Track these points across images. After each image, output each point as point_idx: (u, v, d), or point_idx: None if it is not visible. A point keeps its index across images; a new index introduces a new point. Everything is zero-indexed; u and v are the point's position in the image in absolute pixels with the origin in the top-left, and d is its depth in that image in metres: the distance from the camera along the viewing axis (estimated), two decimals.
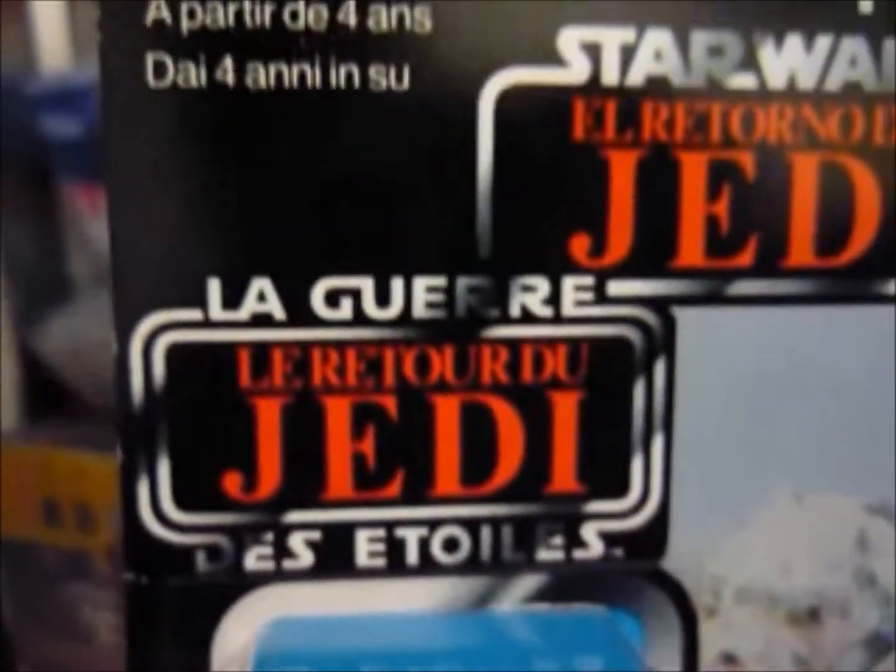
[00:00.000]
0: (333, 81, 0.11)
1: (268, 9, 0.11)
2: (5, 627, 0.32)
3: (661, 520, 0.12)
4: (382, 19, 0.11)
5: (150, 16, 0.11)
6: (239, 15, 0.11)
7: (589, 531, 0.12)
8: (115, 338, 0.11)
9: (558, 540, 0.12)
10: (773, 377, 0.12)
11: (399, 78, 0.11)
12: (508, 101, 0.11)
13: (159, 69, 0.11)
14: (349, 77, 0.11)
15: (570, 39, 0.11)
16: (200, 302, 0.11)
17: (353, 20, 0.11)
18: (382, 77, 0.11)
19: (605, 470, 0.12)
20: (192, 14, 0.11)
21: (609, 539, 0.12)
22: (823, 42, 0.12)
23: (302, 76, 0.11)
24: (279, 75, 0.11)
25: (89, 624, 0.31)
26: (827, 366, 0.12)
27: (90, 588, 0.30)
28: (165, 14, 0.11)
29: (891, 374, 0.13)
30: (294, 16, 0.11)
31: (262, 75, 0.11)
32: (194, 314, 0.11)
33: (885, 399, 0.13)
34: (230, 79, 0.11)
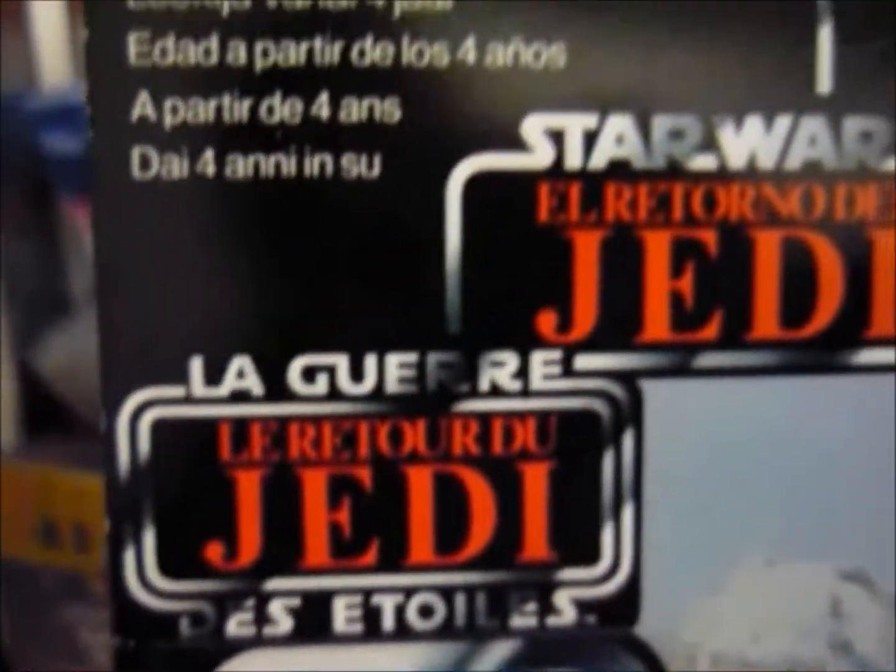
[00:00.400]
0: (308, 170, 0.13)
1: (245, 104, 0.13)
2: (3, 647, 0.33)
3: (632, 587, 0.14)
4: (353, 111, 0.13)
5: (136, 112, 0.13)
6: (219, 110, 0.13)
7: (562, 598, 0.14)
8: (103, 413, 0.13)
9: (531, 607, 0.14)
10: (741, 447, 0.14)
11: (370, 166, 0.13)
12: (475, 186, 0.13)
13: (144, 162, 0.13)
14: (322, 166, 0.13)
15: (534, 126, 0.13)
16: (183, 379, 0.13)
17: (325, 113, 0.13)
18: (354, 165, 0.13)
19: (577, 538, 0.14)
20: (174, 110, 0.13)
21: (582, 606, 0.14)
22: (783, 122, 0.13)
23: (278, 166, 0.13)
24: (256, 166, 0.13)
25: (86, 644, 0.32)
26: (794, 435, 0.14)
27: (87, 609, 0.32)
28: (150, 111, 0.13)
29: (857, 442, 0.14)
30: (270, 110, 0.13)
31: (240, 166, 0.13)
32: (177, 391, 0.13)
33: (853, 466, 0.14)
34: (210, 170, 0.13)
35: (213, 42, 0.13)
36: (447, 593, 0.14)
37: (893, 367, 0.14)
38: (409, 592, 0.14)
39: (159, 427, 0.13)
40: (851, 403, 0.14)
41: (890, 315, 0.14)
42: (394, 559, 0.14)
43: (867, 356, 0.14)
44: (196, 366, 0.13)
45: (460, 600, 0.14)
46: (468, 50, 0.13)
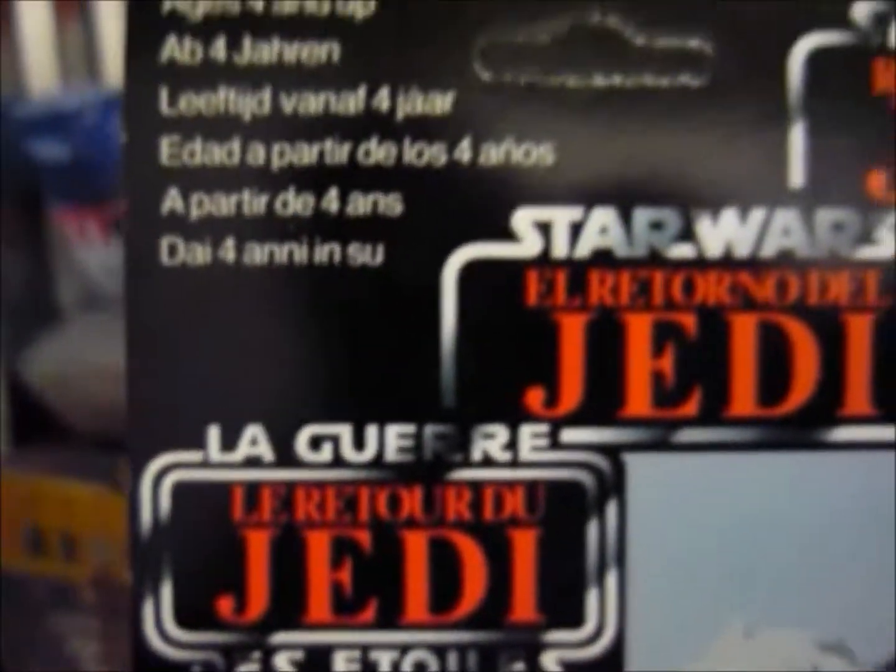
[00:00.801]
0: (317, 258, 0.16)
1: (263, 199, 0.16)
2: None
3: (617, 649, 0.16)
4: (359, 205, 0.16)
5: (166, 206, 0.16)
6: (239, 204, 0.16)
7: (549, 659, 0.16)
8: (129, 473, 0.16)
9: (520, 666, 0.16)
10: (720, 518, 0.16)
11: (374, 254, 0.16)
12: (470, 273, 0.16)
13: (172, 250, 0.16)
14: (331, 254, 0.16)
15: (523, 218, 0.16)
16: (202, 445, 0.16)
17: (334, 207, 0.16)
18: (360, 254, 0.16)
19: (563, 602, 0.16)
20: (200, 204, 0.16)
21: (568, 667, 0.16)
22: (757, 214, 0.16)
23: (290, 254, 0.16)
24: (271, 254, 0.16)
25: (75, 653, 0.35)
26: (772, 508, 0.16)
27: (75, 617, 0.34)
28: (178, 205, 0.16)
29: (833, 516, 0.16)
30: (284, 204, 0.16)
31: (257, 254, 0.16)
32: (196, 456, 0.16)
33: (829, 540, 0.16)
34: (230, 257, 0.16)
35: (236, 144, 0.16)
36: (440, 651, 0.16)
37: (867, 444, 0.16)
38: (404, 649, 0.16)
39: (179, 489, 0.16)
40: (827, 478, 0.16)
41: (863, 394, 0.16)
42: (390, 617, 0.16)
43: (842, 434, 0.16)
44: (213, 433, 0.16)
45: (453, 658, 0.16)
46: (464, 150, 0.16)
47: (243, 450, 0.16)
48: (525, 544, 0.16)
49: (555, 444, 0.16)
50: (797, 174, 0.16)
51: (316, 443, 0.16)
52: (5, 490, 0.35)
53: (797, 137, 0.16)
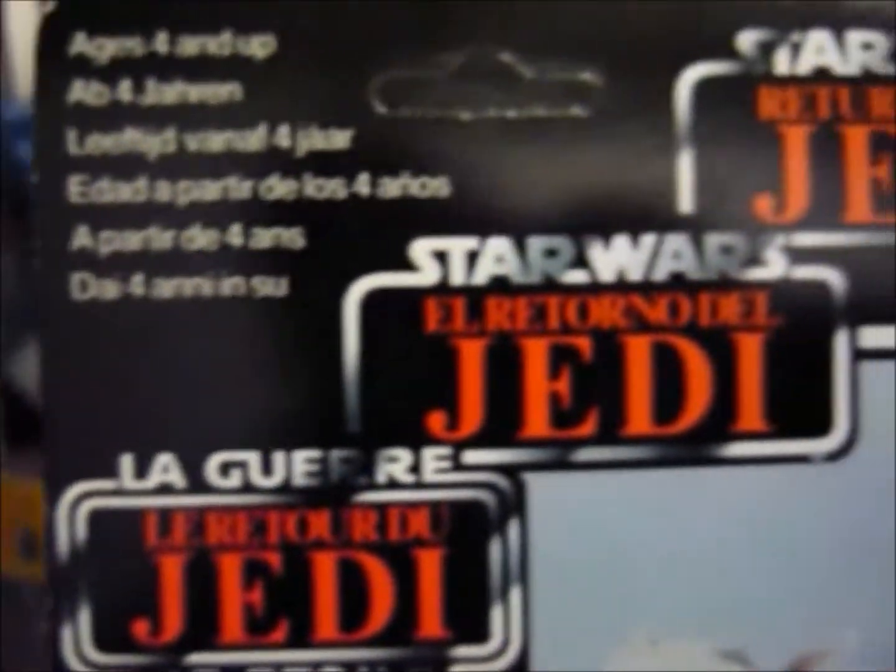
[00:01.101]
0: (223, 291, 0.17)
1: (169, 235, 0.17)
2: None
3: (522, 663, 0.17)
4: (263, 239, 0.17)
5: (76, 243, 0.17)
6: (146, 240, 0.17)
7: None
8: (45, 503, 0.17)
9: None
10: (620, 534, 0.17)
11: (277, 286, 0.17)
12: (371, 302, 0.17)
13: (83, 286, 0.17)
14: (236, 287, 0.17)
15: (421, 248, 0.17)
16: (115, 473, 0.17)
17: (238, 241, 0.17)
18: (263, 286, 0.17)
19: (469, 618, 0.17)
20: (109, 241, 0.17)
21: None
22: (648, 240, 0.17)
23: (197, 287, 0.17)
24: (179, 287, 0.17)
25: None
26: (669, 522, 0.17)
27: None
28: (88, 241, 0.17)
29: (727, 528, 0.17)
30: (191, 239, 0.17)
31: (164, 288, 0.17)
32: (110, 484, 0.17)
33: (724, 551, 0.17)
34: (139, 291, 0.17)
35: (142, 182, 0.17)
36: (351, 668, 0.17)
37: (760, 458, 0.17)
38: (316, 667, 0.17)
39: (94, 516, 0.17)
40: (722, 492, 0.17)
41: (755, 410, 0.17)
42: (302, 636, 0.17)
43: (735, 449, 0.17)
44: (126, 462, 0.17)
45: None
46: (363, 184, 0.17)
47: (155, 477, 0.17)
48: (430, 563, 0.17)
49: (457, 466, 0.17)
50: (686, 200, 0.17)
51: (225, 469, 0.17)
52: (1, 493, 0.36)
53: (685, 164, 0.17)
